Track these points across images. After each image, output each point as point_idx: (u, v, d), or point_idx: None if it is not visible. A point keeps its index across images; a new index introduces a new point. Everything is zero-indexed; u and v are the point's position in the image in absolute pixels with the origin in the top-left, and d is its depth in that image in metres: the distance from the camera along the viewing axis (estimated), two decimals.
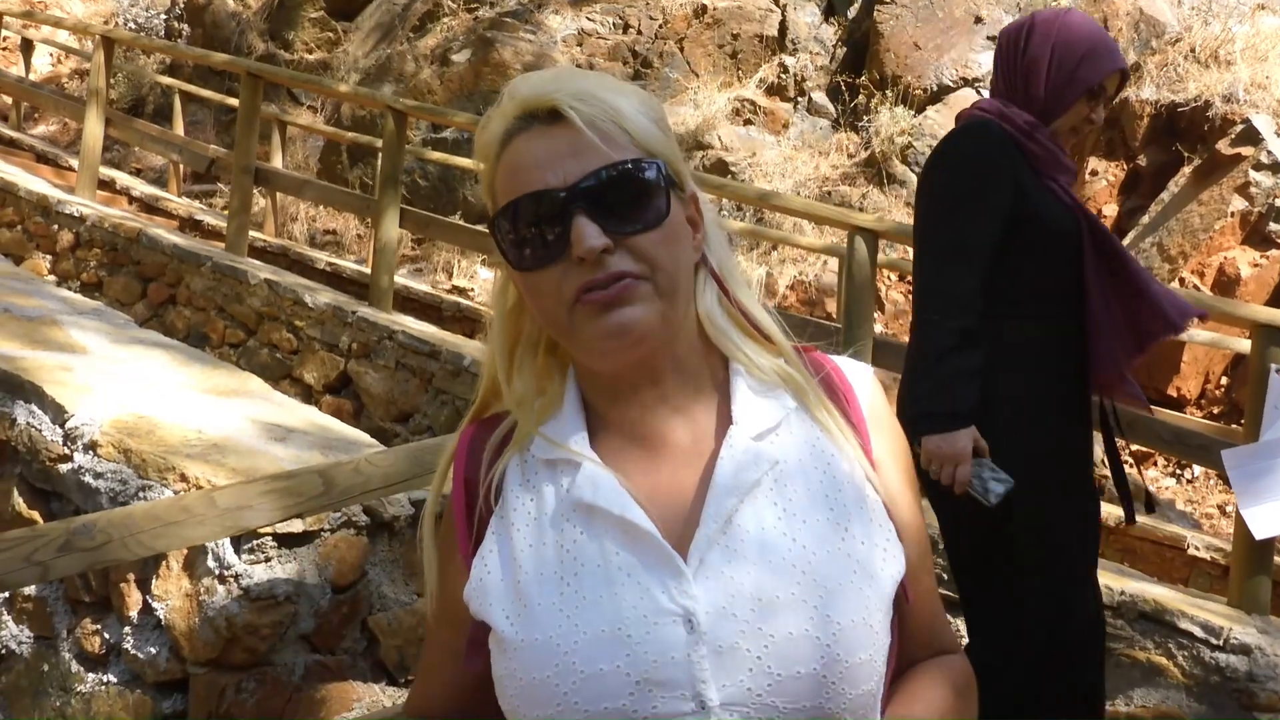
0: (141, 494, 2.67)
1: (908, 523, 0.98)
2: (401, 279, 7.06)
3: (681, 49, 9.83)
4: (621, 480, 0.92)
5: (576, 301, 0.90)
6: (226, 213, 7.19)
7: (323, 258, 7.83)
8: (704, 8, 9.89)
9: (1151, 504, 2.38)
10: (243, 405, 3.38)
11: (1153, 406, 2.70)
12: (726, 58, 9.73)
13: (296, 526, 2.56)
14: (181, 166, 9.94)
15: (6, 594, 2.82)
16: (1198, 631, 3.02)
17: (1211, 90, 7.64)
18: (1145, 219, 7.42)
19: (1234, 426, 5.55)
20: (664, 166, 0.93)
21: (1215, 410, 6.84)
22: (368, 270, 6.50)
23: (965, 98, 8.84)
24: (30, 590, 2.79)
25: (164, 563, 2.58)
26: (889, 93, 8.81)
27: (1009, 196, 2.15)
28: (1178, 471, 6.57)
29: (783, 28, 9.72)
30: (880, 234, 4.53)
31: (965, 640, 2.29)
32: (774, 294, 8.08)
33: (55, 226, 6.60)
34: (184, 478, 2.64)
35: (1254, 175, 7.13)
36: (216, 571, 2.51)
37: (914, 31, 9.01)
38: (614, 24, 10.23)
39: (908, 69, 8.91)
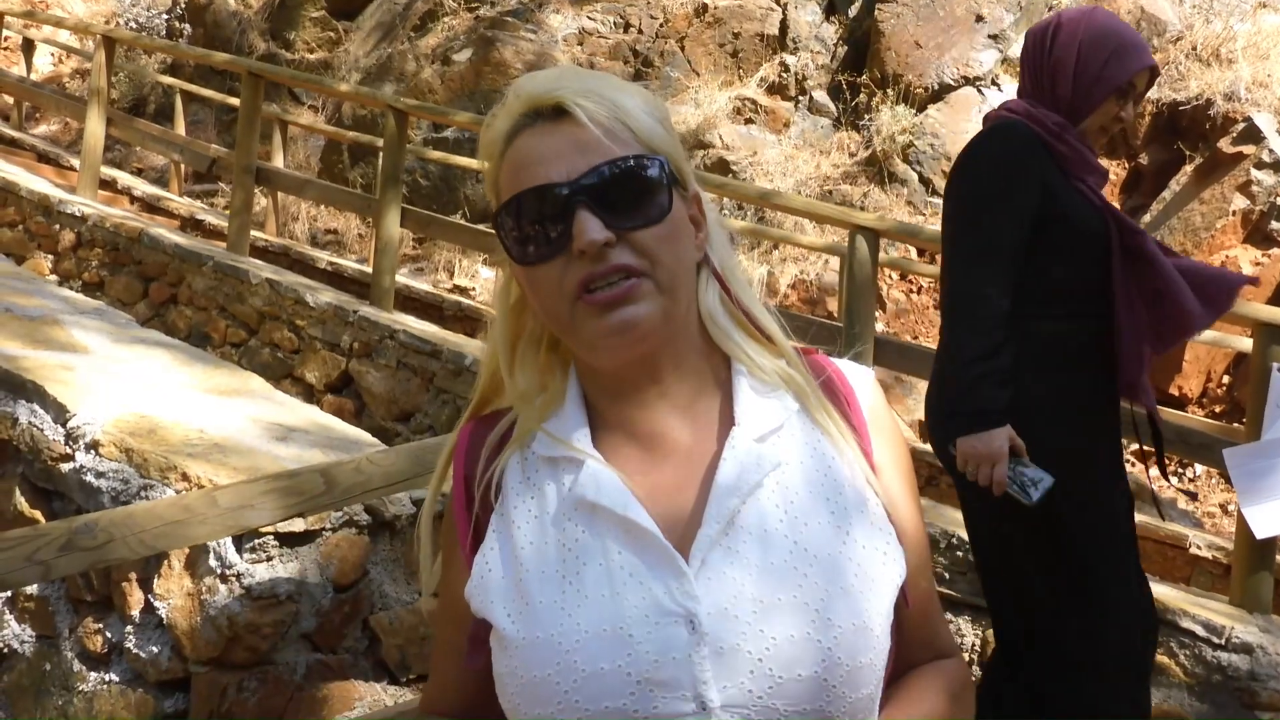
0: (143, 493, 2.67)
1: (908, 526, 0.98)
2: (403, 278, 7.06)
3: (682, 48, 9.83)
4: (624, 479, 0.92)
5: (578, 297, 0.90)
6: (228, 212, 7.20)
7: (324, 257, 7.83)
8: (705, 6, 9.89)
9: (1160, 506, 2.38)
10: (244, 405, 3.38)
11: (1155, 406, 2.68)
12: (727, 57, 9.72)
13: (298, 526, 2.56)
14: (183, 166, 9.94)
15: (8, 593, 2.82)
16: (1199, 630, 3.02)
17: (1213, 89, 7.64)
18: (1147, 218, 7.41)
19: (1236, 425, 5.55)
20: (667, 164, 0.93)
21: (1217, 409, 6.84)
22: (369, 270, 6.50)
23: (967, 96, 8.85)
24: (32, 589, 2.79)
25: (166, 562, 2.58)
26: (890, 91, 8.80)
27: (1036, 197, 2.13)
28: (1179, 470, 6.57)
29: (784, 26, 9.71)
30: (881, 233, 4.53)
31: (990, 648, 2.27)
32: (775, 293, 8.08)
33: (57, 226, 6.60)
34: (186, 477, 2.64)
35: (1255, 174, 7.13)
36: (218, 570, 2.51)
37: (915, 30, 9.00)
38: (615, 23, 10.22)
39: (909, 68, 8.91)
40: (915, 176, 8.63)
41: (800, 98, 9.49)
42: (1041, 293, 2.15)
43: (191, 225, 8.33)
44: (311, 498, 2.17)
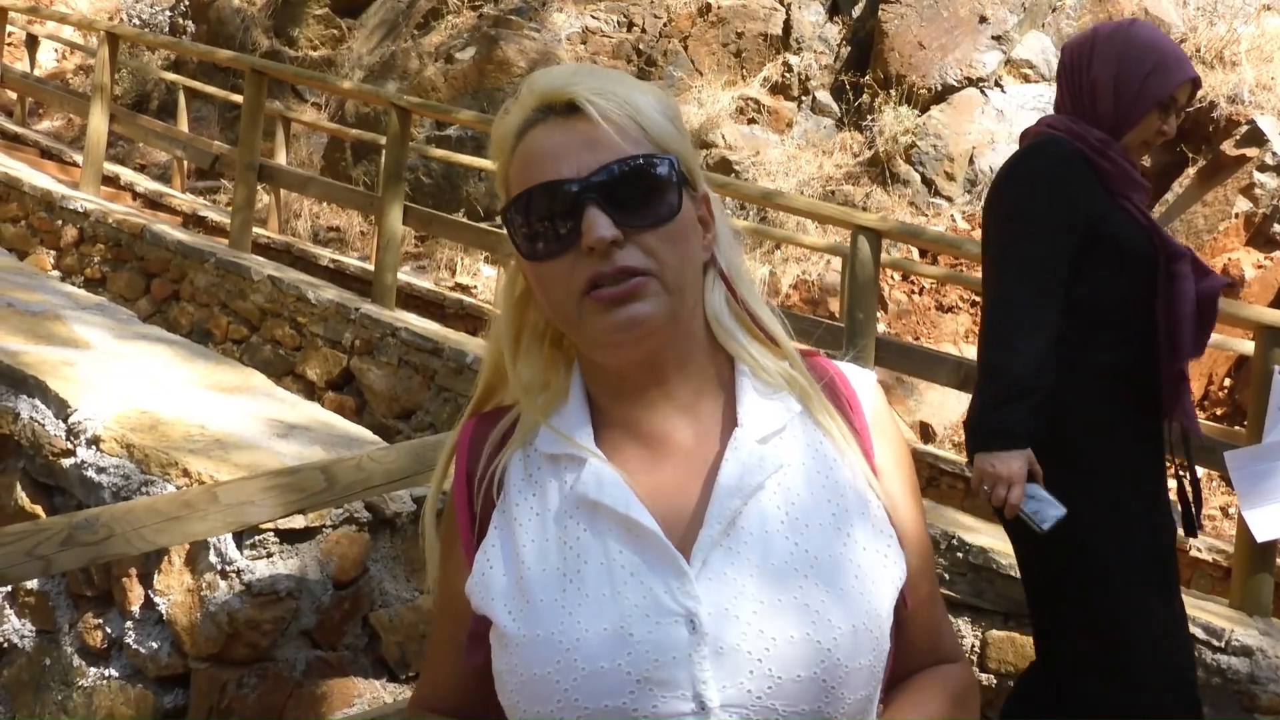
0: (144, 489, 2.67)
1: (909, 529, 0.98)
2: (405, 276, 7.06)
3: (686, 47, 9.83)
4: (626, 478, 0.92)
5: (585, 294, 0.90)
6: (230, 209, 7.20)
7: (326, 254, 7.84)
8: (708, 6, 9.88)
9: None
10: (245, 401, 3.39)
11: None
12: (731, 56, 9.72)
13: (298, 522, 2.56)
14: (185, 163, 9.95)
15: (9, 588, 2.82)
16: (1199, 633, 3.02)
17: (1216, 91, 7.63)
18: None
19: (1237, 428, 5.55)
20: (677, 164, 0.93)
21: (1218, 412, 6.84)
22: (371, 267, 6.51)
23: (970, 97, 8.84)
24: (32, 584, 2.79)
25: (166, 558, 2.58)
26: (893, 92, 8.80)
27: (1082, 214, 2.08)
28: (1179, 474, 6.56)
29: (787, 26, 9.71)
30: (883, 233, 4.52)
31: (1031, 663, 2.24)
32: (777, 293, 8.09)
33: (59, 222, 6.61)
34: (186, 473, 2.64)
35: (1259, 176, 7.13)
36: (218, 567, 2.51)
37: (918, 31, 9.00)
38: (618, 22, 10.22)
39: (912, 68, 8.91)
40: (918, 177, 8.63)
41: (803, 98, 9.49)
42: (1092, 315, 2.10)
43: (194, 222, 8.34)
44: (312, 494, 2.17)
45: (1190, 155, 7.53)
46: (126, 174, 9.56)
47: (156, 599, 2.58)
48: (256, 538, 2.53)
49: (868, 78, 9.10)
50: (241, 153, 6.41)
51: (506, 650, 0.90)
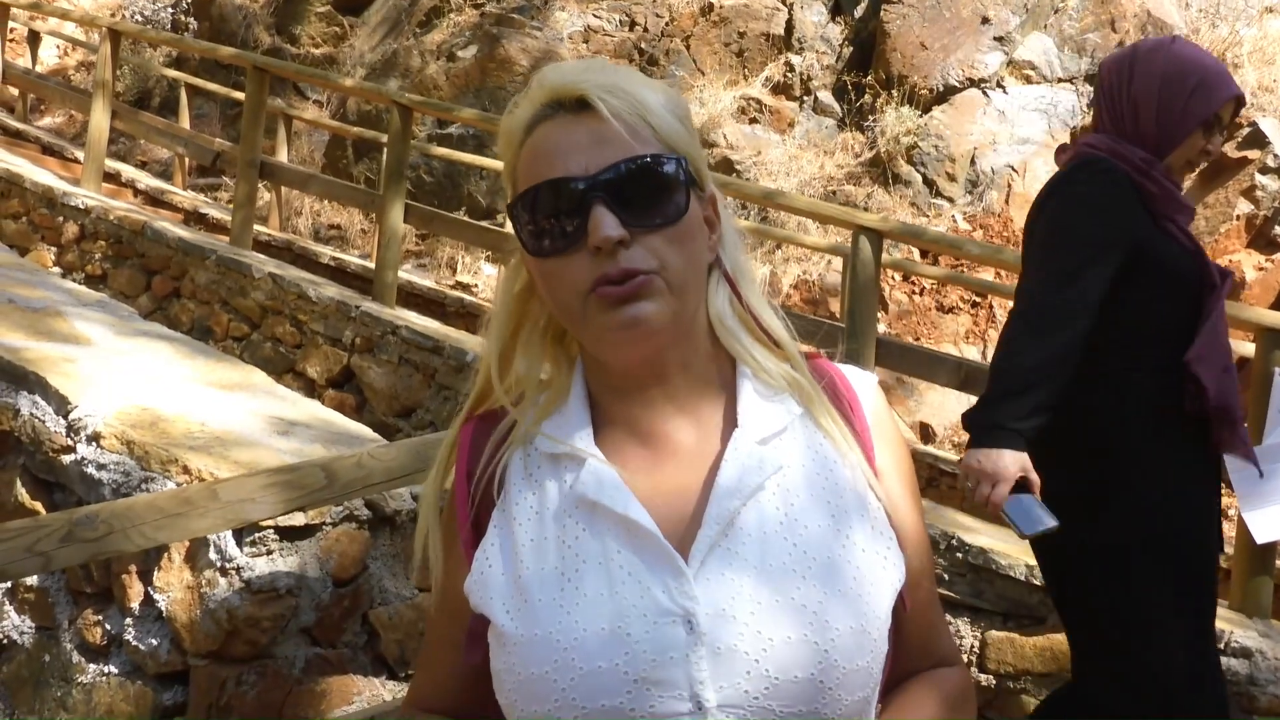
0: (144, 486, 2.67)
1: (909, 531, 0.98)
2: (405, 274, 7.06)
3: (688, 47, 9.83)
4: (625, 478, 0.92)
5: (590, 291, 0.90)
6: (231, 206, 7.20)
7: (327, 252, 7.84)
8: (710, 6, 9.88)
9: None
10: (246, 399, 3.39)
11: None
12: (733, 56, 9.72)
13: (298, 520, 2.56)
14: (187, 160, 9.95)
15: (8, 584, 2.82)
16: None
17: None
18: None
19: None
20: (685, 163, 0.93)
21: None
22: (372, 265, 6.51)
23: (971, 98, 8.84)
24: (32, 580, 2.80)
25: (166, 554, 2.58)
26: (895, 92, 8.80)
27: (1127, 237, 2.03)
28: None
29: (789, 26, 9.71)
30: (885, 234, 4.52)
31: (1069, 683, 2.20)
32: (778, 293, 8.09)
33: (60, 218, 6.61)
34: (187, 470, 2.65)
35: (1260, 179, 7.13)
36: (218, 564, 2.51)
37: (921, 31, 9.00)
38: (620, 21, 10.22)
39: (914, 69, 8.90)
40: (919, 178, 8.62)
41: (805, 98, 9.49)
42: (1133, 341, 2.06)
43: (195, 219, 8.34)
44: (312, 492, 2.17)
45: None
46: (128, 171, 9.55)
47: (156, 596, 2.59)
48: (256, 535, 2.53)
49: (869, 78, 9.09)
50: (243, 150, 6.41)
51: (504, 649, 0.90)
